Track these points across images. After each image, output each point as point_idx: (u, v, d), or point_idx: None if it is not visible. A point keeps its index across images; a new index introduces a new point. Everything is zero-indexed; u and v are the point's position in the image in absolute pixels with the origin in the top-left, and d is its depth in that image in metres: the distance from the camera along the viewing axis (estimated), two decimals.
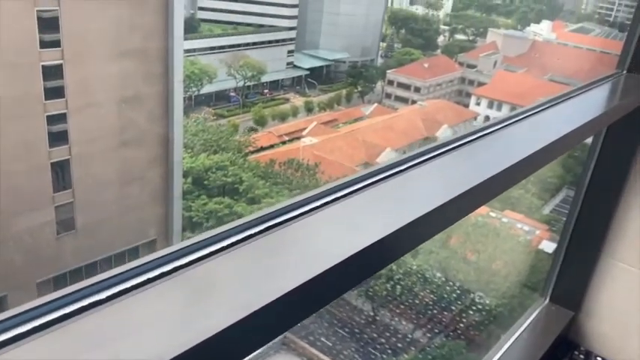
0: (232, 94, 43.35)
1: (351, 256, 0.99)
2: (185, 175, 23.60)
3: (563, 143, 1.85)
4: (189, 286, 0.89)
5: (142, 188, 17.85)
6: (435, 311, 15.92)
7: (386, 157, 35.13)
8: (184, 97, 31.57)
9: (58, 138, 14.99)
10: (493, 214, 21.45)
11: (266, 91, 46.53)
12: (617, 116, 2.44)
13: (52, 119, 14.81)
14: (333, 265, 0.94)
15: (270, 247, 1.02)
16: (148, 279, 0.89)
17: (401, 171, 1.47)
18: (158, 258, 0.92)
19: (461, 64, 52.60)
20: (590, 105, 2.44)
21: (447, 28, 62.24)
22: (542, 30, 55.10)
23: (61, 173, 15.31)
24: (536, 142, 1.67)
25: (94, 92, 15.70)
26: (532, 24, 57.68)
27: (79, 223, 15.69)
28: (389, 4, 61.20)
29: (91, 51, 15.40)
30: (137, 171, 17.23)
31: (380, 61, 56.62)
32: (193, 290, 0.89)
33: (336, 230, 1.16)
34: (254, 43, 47.32)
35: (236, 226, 1.03)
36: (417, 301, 16.14)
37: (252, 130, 37.76)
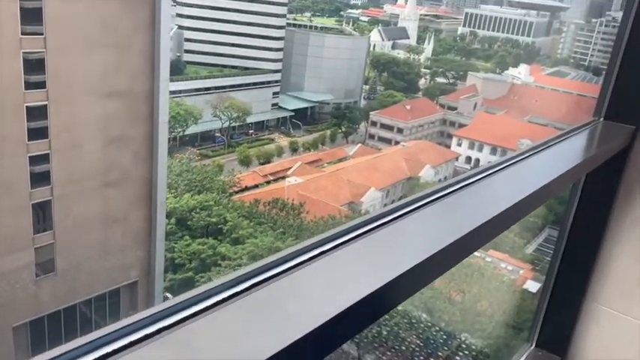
0: (217, 134, 43.59)
1: (339, 313, 0.98)
2: (169, 215, 23.35)
3: (544, 193, 1.88)
4: (173, 350, 0.87)
5: (124, 229, 17.58)
6: (421, 357, 15.62)
7: (370, 196, 35.30)
8: (169, 138, 31.59)
9: (41, 179, 14.80)
10: (477, 254, 21.46)
11: (251, 131, 46.93)
12: (595, 164, 2.50)
13: (34, 160, 14.65)
14: (320, 324, 0.93)
15: (256, 306, 1.00)
16: (132, 341, 0.87)
17: (388, 222, 1.47)
18: (143, 319, 0.91)
19: (442, 106, 53.74)
20: (570, 153, 2.50)
21: (427, 71, 63.88)
22: (520, 73, 56.82)
23: (42, 214, 15.05)
24: (518, 193, 1.70)
25: (78, 133, 15.61)
26: (510, 67, 59.55)
27: (60, 266, 15.34)
28: (371, 49, 62.88)
29: (77, 92, 15.40)
30: (120, 212, 17.01)
31: (363, 102, 57.68)
32: (177, 355, 0.87)
33: (323, 286, 1.15)
34: (240, 85, 48.00)
35: (221, 284, 1.02)
36: (403, 347, 15.86)
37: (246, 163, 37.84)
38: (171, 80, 27.04)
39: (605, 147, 2.69)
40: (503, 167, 2.02)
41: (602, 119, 3.10)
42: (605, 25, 53.42)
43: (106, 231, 16.75)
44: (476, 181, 1.85)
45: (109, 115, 16.18)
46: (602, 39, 53.59)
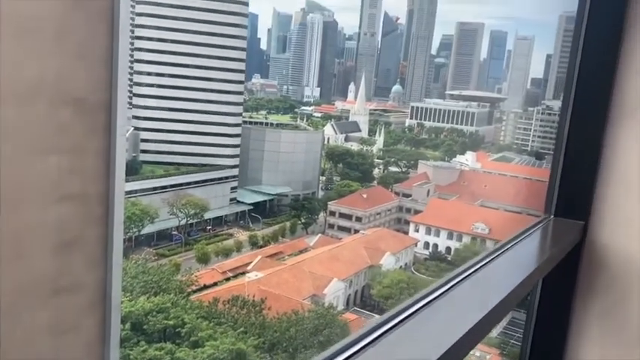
0: (174, 232, 42.80)
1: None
2: (123, 320, 22.17)
3: (508, 302, 1.95)
4: None
5: (75, 339, 16.54)
6: None
7: (333, 287, 34.74)
8: (125, 239, 30.72)
9: None
10: None
11: (209, 227, 46.30)
12: (552, 264, 2.62)
13: None
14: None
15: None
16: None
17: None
18: None
19: (397, 193, 55.13)
20: (525, 258, 2.61)
21: (380, 161, 66.17)
22: (468, 160, 59.49)
23: None
24: (481, 308, 1.75)
25: (26, 240, 15.05)
26: (458, 155, 62.44)
27: None
28: (326, 142, 65.02)
29: (27, 198, 15.04)
30: (71, 320, 16.08)
31: (321, 193, 58.52)
32: None
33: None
34: (197, 182, 48.06)
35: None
36: None
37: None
38: (127, 181, 26.83)
39: (559, 246, 2.83)
40: (464, 277, 2.09)
41: (552, 216, 3.28)
42: (542, 113, 57.46)
43: (56, 341, 15.70)
44: (440, 294, 1.90)
45: (60, 219, 15.76)
46: (541, 125, 57.39)
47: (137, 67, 47.93)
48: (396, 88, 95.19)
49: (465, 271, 2.15)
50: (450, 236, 45.31)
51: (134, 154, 46.34)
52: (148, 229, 39.81)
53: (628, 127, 3.17)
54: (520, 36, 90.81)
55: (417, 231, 47.19)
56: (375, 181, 60.10)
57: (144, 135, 48.13)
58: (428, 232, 46.61)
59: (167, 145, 49.26)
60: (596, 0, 3.17)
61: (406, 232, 47.80)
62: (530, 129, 59.58)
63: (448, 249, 44.69)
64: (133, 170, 42.39)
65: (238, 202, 51.27)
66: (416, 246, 45.25)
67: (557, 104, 54.86)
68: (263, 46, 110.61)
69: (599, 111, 3.19)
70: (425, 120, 75.15)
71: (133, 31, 46.35)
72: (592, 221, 3.17)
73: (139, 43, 47.67)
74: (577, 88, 3.25)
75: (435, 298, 1.87)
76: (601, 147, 3.20)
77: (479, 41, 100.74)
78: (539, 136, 58.18)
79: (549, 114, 55.75)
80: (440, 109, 74.97)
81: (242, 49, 54.18)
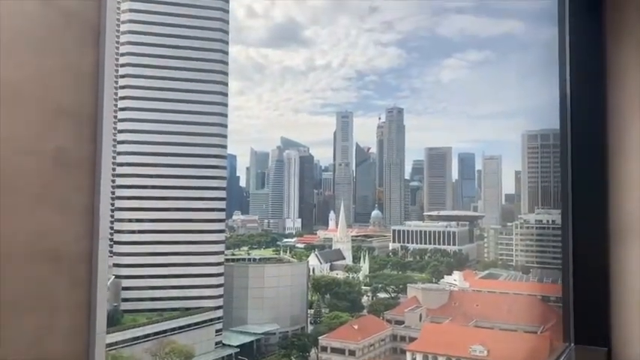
0: None
1: None
2: None
3: None
4: None
5: None
6: None
7: None
8: None
9: None
10: None
11: None
12: None
13: None
14: None
15: None
16: None
17: None
18: None
19: (389, 321, 53.40)
20: None
21: (368, 288, 65.05)
22: (456, 280, 58.94)
23: None
24: None
25: None
26: (445, 275, 61.91)
27: None
28: (311, 273, 64.15)
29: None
30: None
31: (310, 327, 56.31)
32: None
33: None
34: (180, 327, 46.02)
35: None
36: None
37: None
38: (108, 332, 25.56)
39: None
40: None
41: (573, 344, 3.14)
42: (521, 227, 58.42)
43: None
44: None
45: None
46: (522, 239, 58.05)
47: (117, 215, 48.19)
48: (376, 213, 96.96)
49: None
50: None
51: (115, 304, 44.78)
52: None
53: (630, 244, 3.18)
54: (487, 156, 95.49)
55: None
56: (365, 310, 58.56)
57: (125, 283, 46.97)
58: (425, 359, 44.62)
59: (149, 292, 47.94)
60: (577, 120, 3.34)
61: None
62: (512, 243, 60.19)
63: None
64: (115, 321, 40.70)
65: (224, 345, 48.94)
66: None
67: (533, 217, 56.11)
68: (242, 183, 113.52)
69: (598, 231, 3.22)
70: (407, 242, 75.62)
71: (114, 181, 47.38)
72: (615, 346, 3.05)
73: (119, 192, 48.47)
74: (574, 208, 3.30)
75: None
76: (608, 266, 3.17)
77: (448, 163, 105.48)
78: (522, 250, 58.61)
79: (527, 227, 56.73)
80: (421, 231, 75.90)
81: (222, 189, 55.38)
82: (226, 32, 56.69)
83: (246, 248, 73.31)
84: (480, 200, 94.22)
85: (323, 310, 58.89)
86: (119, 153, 49.08)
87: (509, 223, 63.97)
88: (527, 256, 56.94)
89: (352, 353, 46.63)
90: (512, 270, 58.38)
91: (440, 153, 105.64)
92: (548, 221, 52.91)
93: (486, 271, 61.02)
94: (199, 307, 49.14)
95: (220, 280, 51.84)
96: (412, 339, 47.87)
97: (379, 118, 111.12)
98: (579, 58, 3.28)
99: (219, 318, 50.05)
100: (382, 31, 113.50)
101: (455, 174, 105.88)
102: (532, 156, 58.34)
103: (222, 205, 55.15)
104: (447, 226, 74.18)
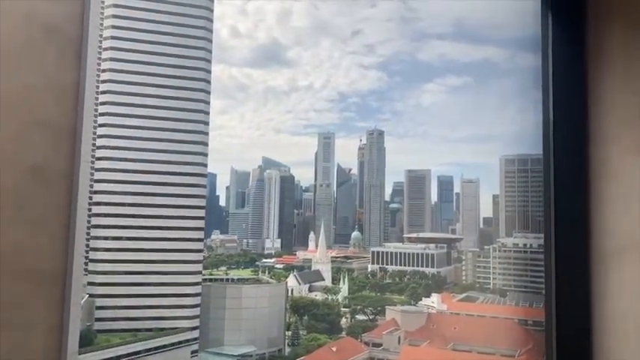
0: None
1: None
2: None
3: None
4: None
5: None
6: None
7: None
8: None
9: None
10: None
11: None
12: None
13: None
14: None
15: None
16: None
17: None
18: None
19: (366, 343, 53.02)
20: None
21: (347, 310, 64.68)
22: (434, 302, 58.98)
23: None
24: None
25: None
26: (423, 298, 61.91)
27: None
28: (290, 294, 63.56)
29: None
30: None
31: (287, 349, 55.61)
32: None
33: None
34: (156, 348, 45.00)
35: None
36: None
37: None
38: (80, 353, 24.86)
39: None
40: None
41: None
42: (499, 251, 58.93)
43: None
44: None
45: None
46: (500, 263, 58.49)
47: (94, 232, 47.35)
48: (356, 234, 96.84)
49: None
50: None
51: (88, 324, 43.68)
52: None
53: (612, 267, 3.19)
54: (465, 179, 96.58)
55: None
56: (344, 332, 58.10)
57: (99, 302, 45.92)
58: None
59: (124, 311, 46.91)
60: (559, 145, 3.37)
61: None
62: (490, 267, 60.59)
63: None
64: (87, 340, 39.62)
65: None
66: None
67: (510, 241, 56.69)
68: (222, 202, 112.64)
69: (581, 254, 3.23)
70: (386, 264, 75.61)
71: (91, 197, 46.59)
72: None
73: (96, 209, 47.70)
74: (557, 231, 3.31)
75: None
76: (589, 290, 3.18)
77: (428, 186, 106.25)
78: (499, 273, 59.02)
79: (504, 251, 57.23)
80: (400, 252, 76.00)
81: (201, 208, 54.85)
82: (209, 51, 56.82)
83: (224, 268, 72.43)
84: (458, 223, 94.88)
85: (301, 332, 58.24)
86: (97, 169, 48.42)
87: (486, 247, 64.49)
88: (504, 280, 57.34)
89: None
90: (490, 293, 58.66)
91: (420, 175, 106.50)
92: (525, 245, 53.52)
93: (464, 294, 61.18)
94: (175, 328, 48.22)
95: (197, 300, 51.01)
96: None
97: (360, 140, 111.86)
98: (561, 84, 3.33)
99: (195, 339, 49.14)
100: (364, 53, 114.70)
101: (434, 196, 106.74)
102: (509, 180, 59.24)
103: (200, 224, 54.56)
104: (425, 248, 74.44)
